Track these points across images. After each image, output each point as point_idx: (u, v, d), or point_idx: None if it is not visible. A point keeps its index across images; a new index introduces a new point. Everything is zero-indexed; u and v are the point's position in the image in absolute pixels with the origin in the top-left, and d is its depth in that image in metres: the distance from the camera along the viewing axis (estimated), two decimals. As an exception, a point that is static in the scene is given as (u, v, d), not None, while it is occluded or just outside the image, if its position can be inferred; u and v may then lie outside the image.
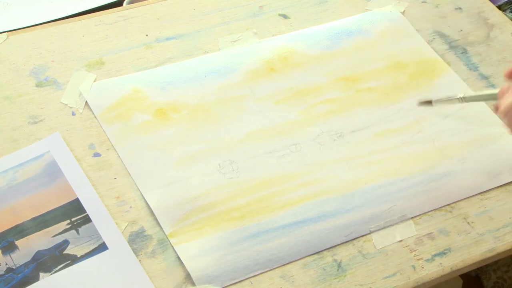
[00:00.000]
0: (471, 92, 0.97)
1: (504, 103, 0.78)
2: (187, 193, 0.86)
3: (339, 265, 0.83)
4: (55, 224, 0.82)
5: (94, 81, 0.96)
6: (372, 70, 1.02)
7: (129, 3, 1.13)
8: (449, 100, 0.94)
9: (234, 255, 0.82)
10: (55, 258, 0.80)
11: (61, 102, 0.94)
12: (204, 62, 1.00)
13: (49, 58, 0.98)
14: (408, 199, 0.89)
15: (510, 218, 0.89)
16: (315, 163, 0.91)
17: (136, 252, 0.82)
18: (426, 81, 1.01)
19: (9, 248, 0.80)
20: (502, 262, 1.15)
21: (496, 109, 0.82)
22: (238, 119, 0.94)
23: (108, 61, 0.99)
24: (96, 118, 0.92)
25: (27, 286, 0.78)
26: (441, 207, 0.89)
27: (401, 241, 0.86)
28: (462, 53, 1.06)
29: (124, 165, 0.88)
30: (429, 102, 0.96)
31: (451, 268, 0.85)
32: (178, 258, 0.82)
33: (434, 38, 1.07)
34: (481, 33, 1.09)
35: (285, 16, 1.08)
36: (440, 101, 0.95)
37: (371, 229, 0.86)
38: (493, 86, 1.02)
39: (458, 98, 0.93)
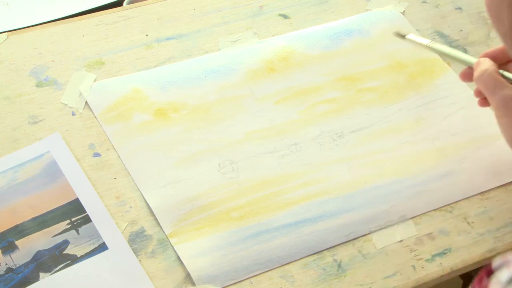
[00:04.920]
0: (445, 47, 0.96)
1: (478, 70, 0.83)
2: (187, 193, 0.86)
3: (339, 265, 0.83)
4: (55, 224, 0.82)
5: (94, 81, 0.96)
6: (372, 70, 1.02)
7: (129, 3, 1.13)
8: (420, 43, 0.96)
9: (234, 255, 0.82)
10: (55, 258, 0.80)
11: (61, 102, 0.94)
12: (204, 62, 1.00)
13: (49, 58, 0.98)
14: (408, 199, 0.89)
15: (510, 218, 0.89)
16: (315, 163, 0.91)
17: (136, 252, 0.82)
18: (426, 81, 1.01)
19: (9, 248, 0.80)
20: (502, 262, 1.15)
21: (463, 75, 0.89)
22: (238, 119, 0.94)
23: (108, 61, 0.99)
24: (96, 118, 0.92)
25: (27, 286, 0.78)
26: (441, 207, 0.89)
27: (401, 241, 0.86)
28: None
29: (124, 165, 0.88)
30: (402, 36, 0.98)
31: (451, 268, 0.85)
32: (178, 258, 0.82)
33: (434, 38, 1.07)
34: (481, 33, 1.09)
35: (285, 16, 1.08)
36: (413, 40, 0.97)
37: (371, 229, 0.86)
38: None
39: (426, 45, 0.95)
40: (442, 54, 0.95)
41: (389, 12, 1.10)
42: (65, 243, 0.81)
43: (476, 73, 0.84)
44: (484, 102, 0.86)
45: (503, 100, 0.79)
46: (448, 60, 1.03)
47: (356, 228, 0.86)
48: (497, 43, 1.07)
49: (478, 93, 0.87)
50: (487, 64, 0.83)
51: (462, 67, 1.04)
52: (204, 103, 0.95)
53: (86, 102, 0.94)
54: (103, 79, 0.97)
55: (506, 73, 0.82)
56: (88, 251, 0.81)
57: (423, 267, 0.84)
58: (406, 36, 0.97)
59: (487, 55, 0.85)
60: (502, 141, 0.94)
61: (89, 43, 1.01)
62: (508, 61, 0.85)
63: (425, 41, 0.95)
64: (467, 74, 0.87)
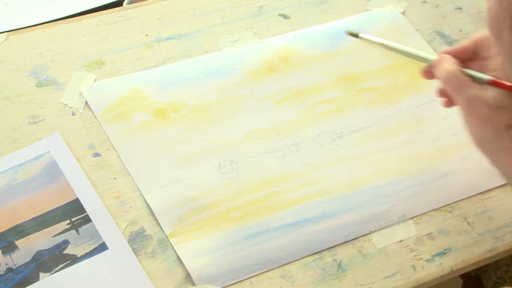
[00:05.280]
0: (399, 45, 0.89)
1: (441, 70, 0.81)
2: (187, 193, 0.86)
3: (339, 265, 0.83)
4: (55, 224, 0.82)
5: (94, 81, 0.96)
6: (372, 70, 1.02)
7: (129, 3, 1.13)
8: (374, 41, 0.90)
9: (234, 255, 0.82)
10: (55, 258, 0.80)
11: (61, 102, 0.94)
12: (204, 62, 1.00)
13: (49, 58, 0.98)
14: (408, 199, 0.89)
15: (510, 218, 0.89)
16: (315, 163, 0.91)
17: (136, 252, 0.82)
18: (426, 81, 1.01)
19: (9, 248, 0.80)
20: (502, 262, 1.15)
21: (425, 72, 0.85)
22: (238, 119, 0.94)
23: (108, 61, 0.99)
24: (96, 118, 0.92)
25: (27, 286, 0.78)
26: (441, 207, 0.89)
27: (401, 241, 0.86)
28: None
29: (124, 165, 0.88)
30: (355, 35, 0.92)
31: (451, 268, 0.85)
32: (178, 258, 0.82)
33: (434, 38, 1.07)
34: (481, 33, 1.09)
35: (285, 16, 1.08)
36: (366, 39, 0.91)
37: (371, 229, 0.86)
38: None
39: (380, 43, 0.89)
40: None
41: (389, 12, 1.10)
42: (65, 243, 0.81)
43: (440, 73, 0.82)
44: (448, 103, 0.85)
45: (468, 100, 0.79)
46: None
47: (356, 228, 0.86)
48: (497, 43, 1.07)
49: (442, 93, 0.85)
50: (450, 63, 0.81)
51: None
52: (204, 103, 0.95)
53: (86, 102, 0.94)
54: (103, 79, 0.97)
55: (471, 71, 0.80)
56: (88, 251, 0.81)
57: (423, 267, 0.84)
58: (360, 35, 0.92)
59: (448, 53, 0.83)
60: (502, 141, 0.94)
61: (89, 43, 1.01)
62: (470, 59, 0.83)
63: (378, 40, 0.90)
64: (429, 72, 0.85)
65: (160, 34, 1.03)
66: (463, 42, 0.83)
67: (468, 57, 0.83)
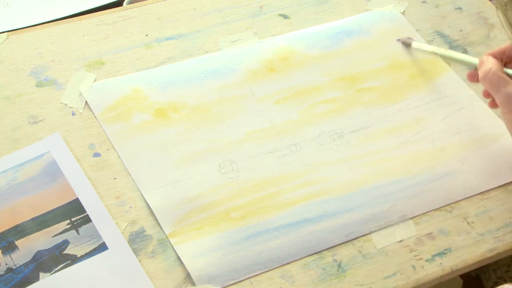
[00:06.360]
0: (448, 51, 1.00)
1: (482, 70, 0.86)
2: (187, 193, 0.86)
3: (339, 265, 0.83)
4: (55, 224, 0.82)
5: (94, 81, 0.96)
6: (372, 70, 1.02)
7: (129, 3, 1.13)
8: (425, 49, 1.01)
9: (234, 255, 0.82)
10: (55, 258, 0.80)
11: (61, 102, 0.94)
12: (204, 62, 1.00)
13: (49, 58, 0.98)
14: (408, 199, 0.89)
15: (510, 218, 0.89)
16: (315, 163, 0.91)
17: (136, 252, 0.82)
18: (426, 81, 1.01)
19: (9, 248, 0.80)
20: (502, 262, 1.15)
21: (469, 76, 0.92)
22: (238, 119, 0.94)
23: (108, 61, 0.99)
24: (96, 118, 0.92)
25: (27, 286, 0.78)
26: (441, 207, 0.89)
27: (401, 241, 0.86)
28: (462, 53, 1.05)
29: (124, 165, 0.88)
30: (408, 44, 1.03)
31: (451, 268, 0.85)
32: (178, 258, 0.82)
33: (434, 38, 1.07)
34: (481, 33, 1.09)
35: (285, 16, 1.08)
36: (419, 49, 1.02)
37: (371, 229, 0.86)
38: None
39: (432, 51, 1.00)
40: (448, 58, 1.00)
41: (389, 12, 1.10)
42: (65, 243, 0.81)
43: (480, 73, 0.85)
44: (492, 103, 0.88)
45: (507, 97, 0.82)
46: (451, 62, 1.04)
47: (356, 228, 0.86)
48: (497, 43, 1.07)
49: (487, 94, 0.89)
50: (491, 63, 0.84)
51: (462, 67, 1.04)
52: (204, 103, 0.95)
53: (86, 102, 0.94)
54: (103, 79, 0.97)
55: (510, 71, 0.83)
56: (88, 251, 0.81)
57: (423, 267, 0.84)
58: (412, 45, 1.01)
59: (490, 55, 0.87)
60: (502, 141, 0.95)
61: (89, 43, 1.01)
62: (511, 61, 0.86)
63: (430, 48, 0.99)
64: (474, 75, 0.89)
65: (160, 34, 1.03)
66: (505, 44, 0.87)
67: (510, 59, 0.85)
